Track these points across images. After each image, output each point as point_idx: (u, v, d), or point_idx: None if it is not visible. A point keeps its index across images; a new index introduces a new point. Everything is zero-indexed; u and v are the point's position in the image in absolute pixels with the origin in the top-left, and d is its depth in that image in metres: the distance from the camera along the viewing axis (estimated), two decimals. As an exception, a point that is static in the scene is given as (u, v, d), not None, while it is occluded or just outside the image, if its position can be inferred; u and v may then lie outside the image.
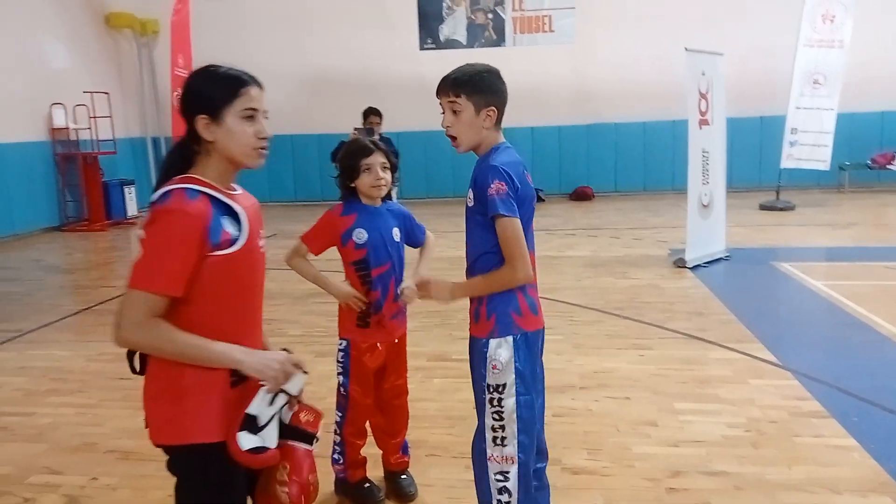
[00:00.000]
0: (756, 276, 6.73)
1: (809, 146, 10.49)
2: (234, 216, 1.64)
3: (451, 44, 13.21)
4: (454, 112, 2.05)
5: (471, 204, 2.08)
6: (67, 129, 11.29)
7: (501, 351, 2.06)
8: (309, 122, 13.19)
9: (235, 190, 1.74)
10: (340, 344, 2.73)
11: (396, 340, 2.78)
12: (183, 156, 1.68)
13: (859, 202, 11.22)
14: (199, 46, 10.22)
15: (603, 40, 12.72)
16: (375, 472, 2.94)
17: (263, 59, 13.26)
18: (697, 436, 3.32)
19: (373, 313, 2.66)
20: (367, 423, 2.86)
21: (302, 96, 13.43)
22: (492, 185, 1.97)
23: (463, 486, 2.92)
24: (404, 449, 2.93)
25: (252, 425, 1.63)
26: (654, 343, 4.71)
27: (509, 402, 2.08)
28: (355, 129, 6.55)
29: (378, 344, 2.71)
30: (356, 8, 13.16)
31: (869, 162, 12.09)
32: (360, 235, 2.62)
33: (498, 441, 2.11)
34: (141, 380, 1.69)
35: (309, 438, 1.77)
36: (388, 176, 2.66)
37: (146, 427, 1.69)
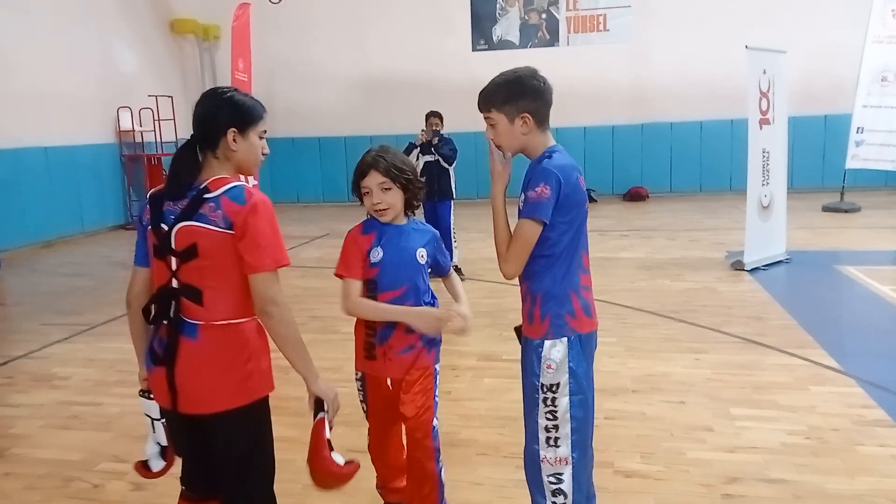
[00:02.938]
0: (818, 279, 6.51)
1: (877, 146, 10.07)
2: None
3: (504, 44, 13.19)
4: (492, 125, 2.10)
5: (522, 206, 2.09)
6: (133, 131, 11.76)
7: (555, 351, 2.07)
8: (363, 123, 13.39)
9: None
10: (357, 374, 2.50)
11: (408, 377, 2.36)
12: (195, 159, 1.95)
13: (931, 204, 10.72)
14: (260, 50, 10.51)
15: (659, 39, 12.50)
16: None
17: (320, 62, 13.55)
18: (755, 442, 3.24)
19: (377, 345, 2.35)
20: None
21: (356, 98, 13.64)
22: (536, 189, 1.99)
23: (513, 485, 2.92)
24: None
25: (331, 448, 1.97)
26: (711, 347, 4.62)
27: (563, 402, 2.09)
28: (422, 129, 6.68)
29: (387, 380, 2.38)
30: (411, 10, 13.28)
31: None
32: (376, 254, 2.32)
33: (551, 442, 2.11)
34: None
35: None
36: (389, 197, 2.31)
37: (171, 404, 1.92)
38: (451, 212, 6.84)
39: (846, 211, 10.24)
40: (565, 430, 2.10)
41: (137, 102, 11.70)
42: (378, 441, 2.54)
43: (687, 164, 12.89)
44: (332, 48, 13.54)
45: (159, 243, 1.90)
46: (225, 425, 1.93)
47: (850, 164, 10.29)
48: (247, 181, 2.00)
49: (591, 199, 12.71)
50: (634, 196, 12.81)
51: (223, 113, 1.91)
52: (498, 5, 13.16)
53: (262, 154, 2.01)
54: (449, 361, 4.34)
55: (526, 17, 13.13)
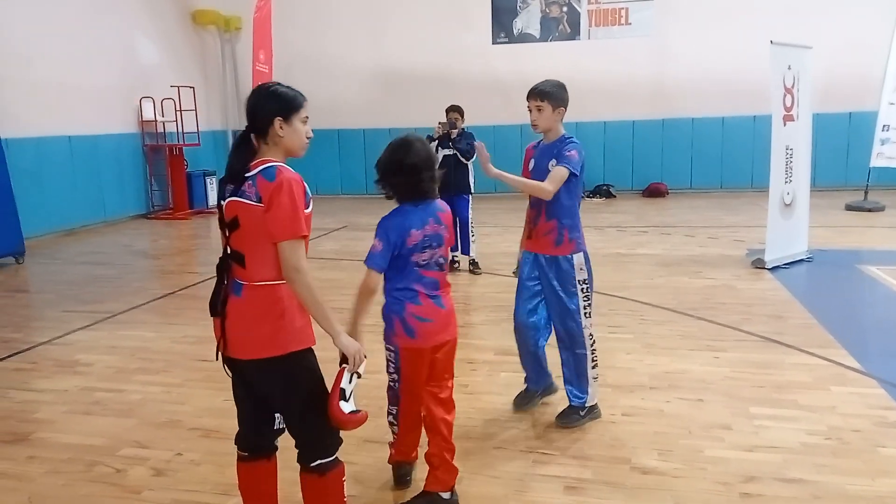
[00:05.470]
0: (840, 279, 6.43)
1: (903, 144, 9.92)
2: None
3: (525, 38, 13.12)
4: (539, 110, 3.30)
5: (558, 162, 3.23)
6: (155, 121, 11.85)
7: (580, 259, 3.36)
8: (381, 116, 13.38)
9: None
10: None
11: None
12: (251, 145, 2.23)
13: (958, 204, 10.53)
14: (279, 43, 10.53)
15: (681, 33, 12.36)
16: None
17: (339, 54, 13.56)
18: (774, 442, 3.22)
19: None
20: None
21: (375, 91, 13.64)
22: (572, 151, 3.23)
23: (530, 479, 2.93)
24: None
25: (343, 397, 2.20)
26: (730, 345, 4.58)
27: (589, 288, 3.38)
28: (440, 122, 6.72)
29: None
30: (430, 2, 13.23)
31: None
32: None
33: (588, 314, 3.39)
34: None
35: None
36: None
37: (224, 350, 2.21)
38: (470, 206, 6.84)
39: (870, 210, 10.09)
40: (591, 304, 3.41)
41: (159, 93, 11.80)
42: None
43: (708, 160, 12.76)
44: (351, 41, 13.55)
45: (220, 217, 2.23)
46: (262, 373, 2.20)
47: (875, 162, 10.14)
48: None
49: (610, 195, 12.66)
50: (654, 192, 12.71)
51: (269, 104, 2.19)
52: (519, -2, 13.08)
53: (307, 137, 2.28)
54: (466, 355, 4.35)
55: (547, 10, 13.04)
